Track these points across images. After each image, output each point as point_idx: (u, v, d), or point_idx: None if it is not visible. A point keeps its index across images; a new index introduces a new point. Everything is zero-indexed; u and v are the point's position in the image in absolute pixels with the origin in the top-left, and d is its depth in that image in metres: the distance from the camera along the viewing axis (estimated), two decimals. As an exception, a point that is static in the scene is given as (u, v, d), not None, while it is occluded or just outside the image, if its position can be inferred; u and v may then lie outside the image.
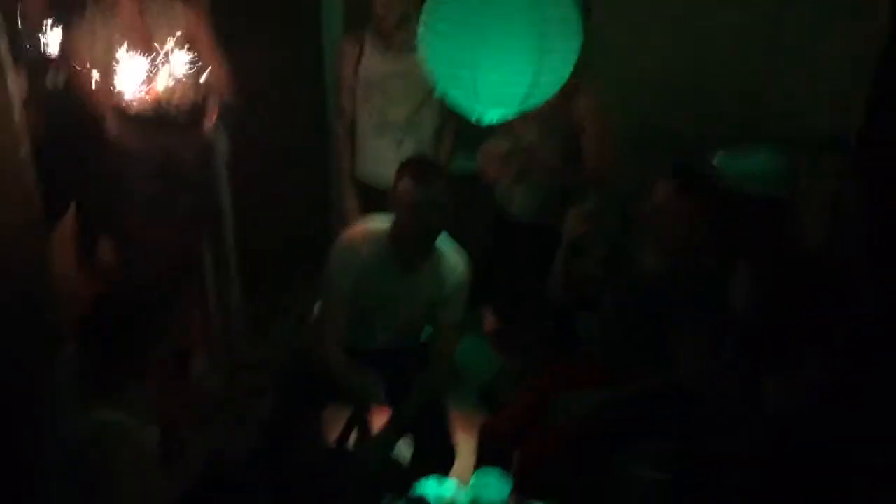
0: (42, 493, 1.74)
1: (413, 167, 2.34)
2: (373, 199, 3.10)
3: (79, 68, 2.46)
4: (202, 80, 2.51)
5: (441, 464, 2.45)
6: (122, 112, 2.34)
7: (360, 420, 2.80)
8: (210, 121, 2.51)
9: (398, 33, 2.93)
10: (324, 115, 3.63)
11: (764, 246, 2.47)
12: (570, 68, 1.56)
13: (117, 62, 2.44)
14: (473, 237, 2.75)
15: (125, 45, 2.48)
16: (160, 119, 2.33)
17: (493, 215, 3.06)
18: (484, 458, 2.52)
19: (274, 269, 3.44)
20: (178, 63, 2.40)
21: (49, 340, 1.87)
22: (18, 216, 1.85)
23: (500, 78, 1.46)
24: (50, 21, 2.51)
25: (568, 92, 2.17)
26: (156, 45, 2.50)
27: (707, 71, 3.30)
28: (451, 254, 2.50)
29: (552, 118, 2.67)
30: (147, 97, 2.33)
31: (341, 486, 2.47)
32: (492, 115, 1.58)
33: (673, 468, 2.24)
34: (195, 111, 2.41)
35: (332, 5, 3.64)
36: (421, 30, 1.62)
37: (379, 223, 2.50)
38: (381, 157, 3.06)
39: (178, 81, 2.41)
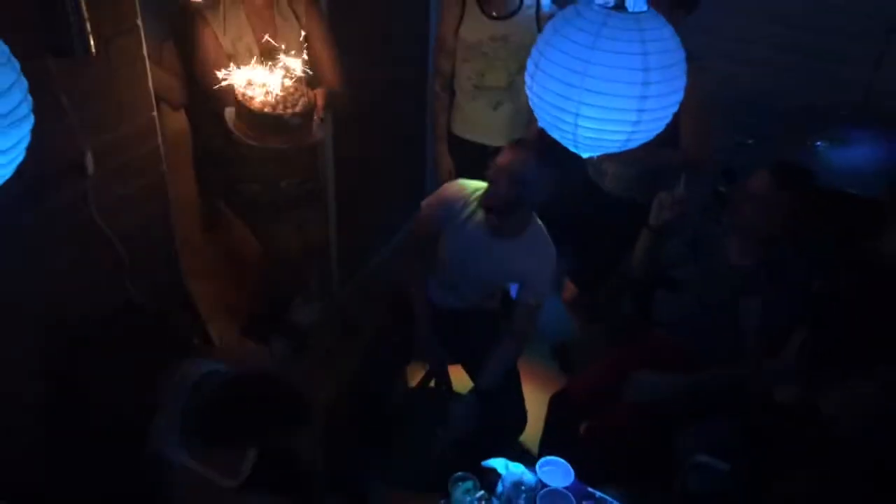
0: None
1: (515, 145, 2.40)
2: (468, 155, 3.19)
3: (207, 57, 2.59)
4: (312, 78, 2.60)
5: (513, 428, 2.64)
6: (239, 106, 2.45)
7: (438, 374, 3.00)
8: (319, 116, 2.58)
9: None
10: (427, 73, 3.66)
11: (847, 249, 2.45)
12: (672, 112, 1.58)
13: (244, 53, 2.56)
14: (564, 204, 2.81)
15: (250, 33, 2.60)
16: (275, 122, 2.41)
17: (585, 186, 3.10)
18: (552, 426, 2.69)
19: (370, 223, 3.59)
20: (294, 65, 2.48)
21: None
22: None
23: (600, 130, 1.50)
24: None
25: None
26: (280, 39, 2.60)
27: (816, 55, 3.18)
28: (542, 238, 2.57)
29: None
30: (263, 98, 2.41)
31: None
32: (588, 155, 1.64)
33: (734, 458, 2.31)
34: (307, 114, 2.48)
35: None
36: (530, 65, 1.65)
37: (476, 184, 2.60)
38: (479, 119, 3.12)
39: (294, 85, 2.49)
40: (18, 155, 1.26)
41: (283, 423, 1.92)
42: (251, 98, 2.42)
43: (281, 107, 2.45)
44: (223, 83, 2.44)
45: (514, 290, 2.78)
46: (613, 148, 1.57)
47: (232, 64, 2.47)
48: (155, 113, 2.23)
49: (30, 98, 1.30)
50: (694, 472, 2.32)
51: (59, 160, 1.98)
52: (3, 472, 2.01)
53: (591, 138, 1.54)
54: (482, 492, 2.15)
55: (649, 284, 2.80)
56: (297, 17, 2.67)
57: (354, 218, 3.44)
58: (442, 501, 2.10)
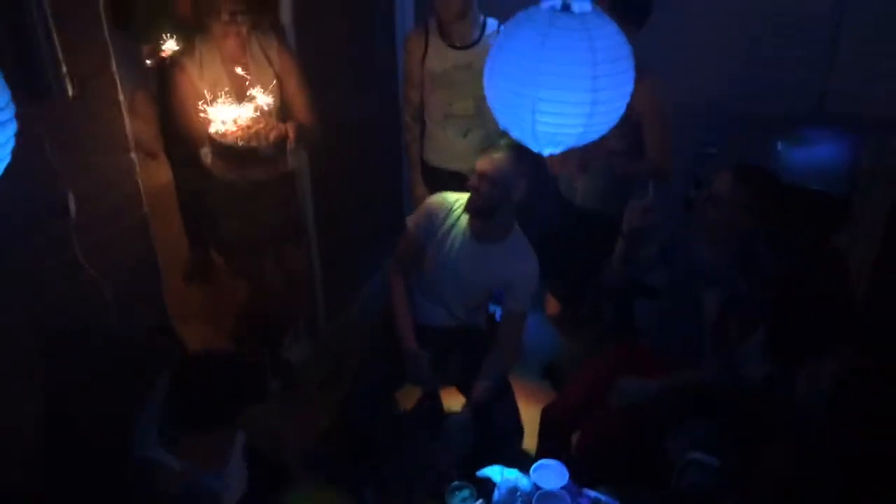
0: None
1: (491, 148, 2.53)
2: (442, 182, 3.26)
3: (184, 103, 2.67)
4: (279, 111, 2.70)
5: (508, 441, 2.66)
6: (214, 144, 2.55)
7: (432, 398, 3.02)
8: (291, 145, 2.67)
9: (460, 27, 3.04)
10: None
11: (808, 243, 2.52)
12: (625, 103, 1.66)
13: (218, 94, 2.62)
14: (539, 221, 2.89)
15: (225, 77, 2.68)
16: (249, 154, 2.52)
17: (558, 201, 3.18)
18: (545, 439, 2.71)
19: (353, 255, 3.64)
20: (263, 100, 2.58)
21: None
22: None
23: (557, 123, 1.58)
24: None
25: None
26: (253, 81, 2.68)
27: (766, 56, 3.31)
28: (524, 245, 2.68)
29: None
30: (236, 132, 2.52)
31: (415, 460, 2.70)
32: (548, 151, 1.71)
33: (722, 453, 2.34)
34: (280, 144, 2.58)
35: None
36: (486, 69, 1.73)
37: (457, 195, 2.72)
38: (450, 147, 3.21)
39: (264, 118, 2.59)
40: (4, 157, 1.30)
41: (237, 393, 1.94)
42: (224, 134, 2.52)
43: (254, 140, 2.56)
44: (197, 122, 2.55)
45: (499, 313, 2.84)
46: (571, 141, 1.65)
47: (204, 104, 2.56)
48: (133, 155, 2.29)
49: (13, 105, 1.37)
50: (686, 469, 2.34)
51: (43, 202, 2.04)
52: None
53: (549, 133, 1.61)
54: (480, 500, 2.17)
55: (627, 293, 2.86)
56: (270, 61, 2.76)
57: (337, 251, 3.49)
58: (439, 510, 2.12)
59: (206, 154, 2.62)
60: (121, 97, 2.20)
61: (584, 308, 3.25)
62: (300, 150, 2.83)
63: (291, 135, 2.66)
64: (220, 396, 1.91)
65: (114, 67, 2.17)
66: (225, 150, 2.52)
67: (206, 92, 2.65)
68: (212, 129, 2.53)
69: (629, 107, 2.67)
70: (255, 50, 2.74)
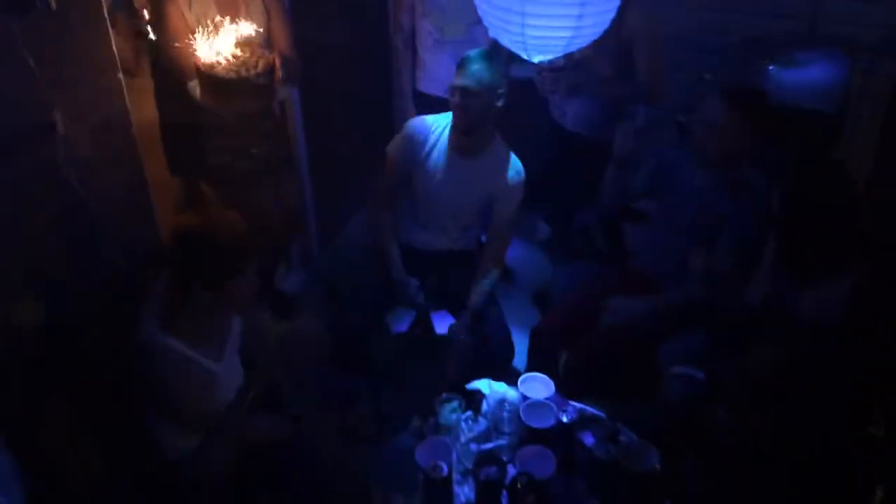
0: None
1: (465, 58, 2.52)
2: (434, 110, 3.24)
3: (172, 34, 2.64)
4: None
5: (499, 361, 2.71)
6: (202, 76, 2.53)
7: (423, 321, 3.07)
8: (278, 76, 2.64)
9: None
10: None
11: (809, 161, 2.52)
12: (612, 14, 1.66)
13: (206, 23, 2.59)
14: (530, 146, 2.89)
15: (214, 8, 2.65)
16: (240, 84, 2.50)
17: (549, 126, 3.18)
18: (534, 359, 2.76)
19: (345, 183, 3.64)
20: (247, 29, 2.56)
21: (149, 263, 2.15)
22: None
23: (546, 29, 1.58)
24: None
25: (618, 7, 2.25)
26: (242, 11, 2.68)
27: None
28: (508, 155, 2.71)
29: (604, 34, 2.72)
30: (225, 63, 2.49)
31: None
32: (538, 59, 1.71)
33: (709, 367, 2.37)
34: (269, 73, 2.56)
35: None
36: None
37: (434, 116, 2.75)
38: (442, 73, 3.18)
39: (250, 48, 2.57)
40: None
41: (224, 256, 1.97)
42: (212, 65, 2.49)
43: (244, 69, 2.53)
44: (185, 55, 2.53)
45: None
46: (560, 48, 1.65)
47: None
48: (121, 74, 2.27)
49: None
50: (673, 382, 2.38)
51: (29, 118, 2.02)
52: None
53: (538, 37, 1.61)
54: (469, 412, 2.22)
55: (618, 217, 2.88)
56: None
57: (329, 179, 3.49)
58: (430, 420, 2.16)
59: (194, 87, 2.60)
60: (106, 13, 2.18)
61: (575, 234, 3.26)
62: (287, 80, 2.80)
63: (278, 62, 2.64)
64: (206, 264, 1.94)
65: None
66: (213, 82, 2.50)
67: (195, 21, 2.62)
68: (198, 61, 2.50)
69: (619, 30, 2.72)
70: None
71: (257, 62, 2.56)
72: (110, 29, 2.19)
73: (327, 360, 2.62)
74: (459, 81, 2.51)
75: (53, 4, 1.92)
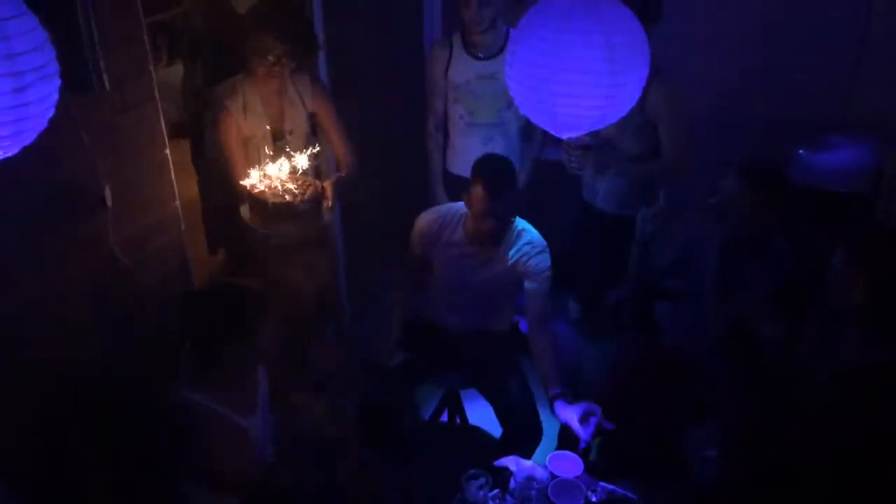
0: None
1: (485, 176, 2.52)
2: (464, 190, 3.32)
3: (230, 146, 2.79)
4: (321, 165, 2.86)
5: (528, 445, 2.67)
6: (255, 204, 2.67)
7: (452, 399, 3.05)
8: (329, 205, 2.77)
9: (484, 38, 3.12)
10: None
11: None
12: (639, 92, 1.72)
13: (260, 137, 2.76)
14: (561, 225, 2.92)
15: (266, 119, 2.79)
16: (286, 210, 2.63)
17: (580, 205, 3.22)
18: (565, 438, 2.71)
19: (379, 259, 3.69)
20: (301, 161, 2.72)
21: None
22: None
23: (575, 108, 1.64)
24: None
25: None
26: (287, 122, 2.83)
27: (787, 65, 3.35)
28: (525, 231, 2.69)
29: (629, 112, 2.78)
30: (276, 187, 2.65)
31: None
32: (567, 136, 1.77)
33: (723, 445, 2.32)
34: (316, 200, 2.69)
35: (433, 12, 3.84)
36: (508, 54, 1.80)
37: (447, 206, 2.81)
38: (473, 155, 3.23)
39: (302, 177, 2.72)
40: (49, 108, 1.39)
41: (245, 316, 2.00)
42: (264, 192, 2.64)
43: (290, 196, 2.65)
44: (241, 171, 2.70)
45: (523, 325, 2.87)
46: (590, 123, 1.70)
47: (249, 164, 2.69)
48: (168, 151, 2.39)
49: (56, 63, 1.48)
50: (701, 464, 2.34)
51: (80, 191, 2.13)
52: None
53: (568, 114, 1.66)
54: (497, 490, 2.18)
55: (646, 296, 2.88)
56: (303, 101, 2.86)
57: (363, 257, 3.55)
58: (457, 496, 2.13)
59: (245, 210, 2.74)
60: (157, 95, 2.30)
61: (605, 313, 3.26)
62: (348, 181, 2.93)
63: (329, 192, 2.74)
64: (222, 319, 1.97)
65: (151, 67, 2.27)
66: (262, 207, 2.64)
67: (250, 131, 2.76)
68: (251, 187, 2.65)
69: (643, 108, 2.79)
70: (290, 92, 2.83)
71: (305, 190, 2.68)
72: (160, 108, 2.32)
73: (356, 436, 2.63)
74: (477, 206, 2.52)
75: (107, 84, 2.05)
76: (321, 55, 3.13)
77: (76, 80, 1.98)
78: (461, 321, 2.83)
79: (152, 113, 2.30)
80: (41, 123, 1.44)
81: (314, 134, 3.13)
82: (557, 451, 2.25)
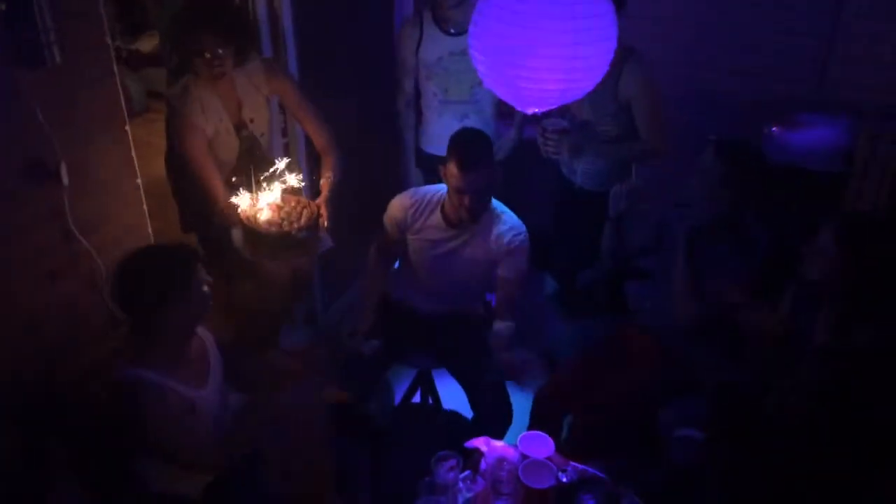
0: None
1: (461, 149, 2.49)
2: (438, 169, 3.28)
3: (196, 155, 2.67)
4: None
5: (498, 426, 2.65)
6: (248, 232, 2.53)
7: (424, 380, 3.03)
8: (325, 224, 2.65)
9: (455, 13, 3.06)
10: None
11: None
12: (605, 67, 1.68)
13: (224, 133, 2.68)
14: (539, 203, 2.89)
15: (226, 115, 2.70)
16: (282, 239, 2.50)
17: (558, 183, 3.19)
18: (537, 420, 2.70)
19: (351, 244, 3.65)
20: (291, 181, 2.59)
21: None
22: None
23: (537, 83, 1.60)
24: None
25: (615, 66, 2.25)
26: (246, 111, 2.74)
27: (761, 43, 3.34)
28: (505, 216, 2.66)
29: (602, 94, 2.71)
30: (270, 216, 2.52)
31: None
32: (532, 110, 1.73)
33: (711, 428, 2.31)
34: (313, 225, 2.57)
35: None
36: (471, 25, 1.75)
37: (422, 189, 2.77)
38: (447, 134, 3.19)
39: (295, 199, 2.61)
40: None
41: (180, 269, 1.99)
42: (256, 218, 2.50)
43: (286, 223, 2.52)
44: (215, 187, 2.62)
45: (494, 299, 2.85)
46: (554, 98, 1.66)
47: (233, 189, 2.56)
48: (128, 127, 2.32)
49: None
50: (675, 444, 2.33)
51: (35, 170, 2.05)
52: None
53: (531, 88, 1.62)
54: (468, 471, 2.16)
55: (619, 275, 2.87)
56: (257, 86, 2.76)
57: (336, 241, 3.49)
58: (426, 479, 2.11)
59: (237, 235, 2.59)
60: (115, 69, 2.23)
61: (579, 292, 3.24)
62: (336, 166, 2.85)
63: (324, 211, 2.64)
64: (152, 279, 1.95)
65: (108, 40, 2.20)
66: (256, 235, 2.50)
67: (213, 129, 2.68)
68: (242, 213, 2.51)
69: (616, 94, 2.75)
70: (241, 82, 2.73)
71: (301, 213, 2.56)
72: (119, 84, 2.25)
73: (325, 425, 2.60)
74: (456, 183, 2.49)
75: (58, 57, 1.97)
76: (290, 40, 3.06)
77: (28, 53, 1.92)
78: (434, 304, 2.79)
79: (110, 88, 2.23)
80: None
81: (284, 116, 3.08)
82: (528, 432, 2.22)
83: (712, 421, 2.26)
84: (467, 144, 2.51)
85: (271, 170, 2.56)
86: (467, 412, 2.75)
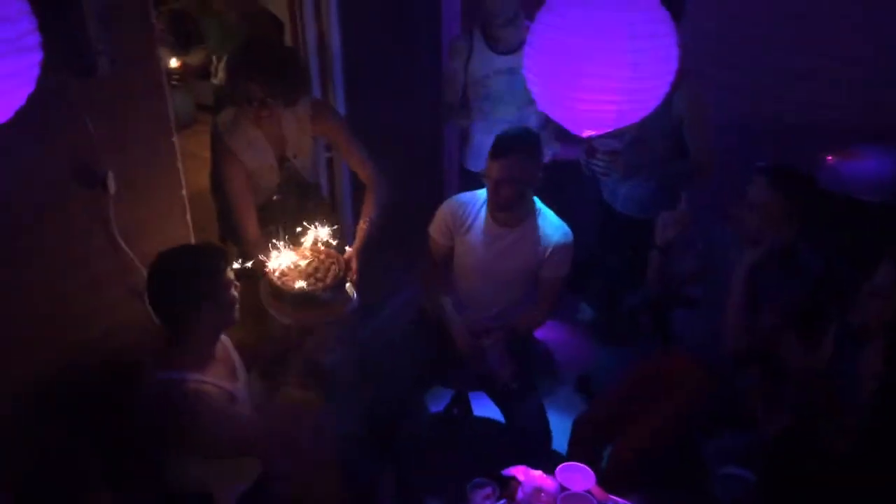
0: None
1: (502, 140, 2.50)
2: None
3: (230, 191, 2.69)
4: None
5: (535, 450, 2.59)
6: (275, 289, 2.45)
7: (461, 400, 2.98)
8: (354, 278, 2.59)
9: (505, 32, 3.04)
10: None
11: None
12: (665, 89, 1.63)
13: (266, 168, 2.69)
14: (577, 226, 2.84)
15: (269, 151, 2.70)
16: (307, 298, 2.43)
17: (599, 206, 3.14)
18: (576, 449, 2.63)
19: (388, 263, 3.62)
20: (322, 233, 2.57)
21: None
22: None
23: (595, 104, 1.55)
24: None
25: (671, 87, 2.22)
26: (290, 149, 2.73)
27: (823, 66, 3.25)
28: (552, 218, 2.66)
29: (654, 114, 2.67)
30: (293, 273, 2.46)
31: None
32: (588, 133, 1.68)
33: (760, 466, 2.26)
34: (339, 285, 2.49)
35: (452, 6, 3.76)
36: (527, 44, 1.71)
37: (468, 195, 2.76)
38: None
39: (325, 252, 2.56)
40: (26, 84, 1.31)
41: (207, 269, 1.99)
42: (282, 273, 2.45)
43: (312, 280, 2.46)
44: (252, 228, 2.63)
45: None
46: (611, 121, 1.61)
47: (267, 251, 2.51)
48: (175, 139, 2.32)
49: (38, 35, 1.37)
50: (722, 482, 2.25)
51: (82, 177, 2.06)
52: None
53: (588, 110, 1.58)
54: (503, 500, 2.10)
55: (665, 303, 2.79)
56: (303, 126, 2.74)
57: (372, 259, 3.47)
58: (460, 506, 2.06)
59: (265, 287, 2.52)
60: (164, 80, 2.23)
61: (621, 318, 3.18)
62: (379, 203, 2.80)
63: (354, 265, 2.59)
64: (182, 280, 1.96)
65: (159, 52, 2.20)
66: (281, 293, 2.43)
67: (257, 165, 2.68)
68: (269, 269, 2.46)
69: (669, 111, 2.70)
70: (289, 120, 2.71)
71: (327, 271, 2.50)
72: (167, 94, 2.25)
73: (354, 441, 2.57)
74: (492, 172, 2.49)
75: (107, 66, 1.97)
76: (338, 78, 3.09)
77: (77, 61, 1.92)
78: (473, 319, 2.74)
79: (159, 99, 2.23)
80: (16, 100, 1.35)
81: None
82: (567, 463, 2.16)
83: (764, 461, 2.17)
84: (504, 134, 2.53)
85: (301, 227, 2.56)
86: (503, 437, 2.70)
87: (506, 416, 2.70)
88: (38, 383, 2.08)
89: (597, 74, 1.51)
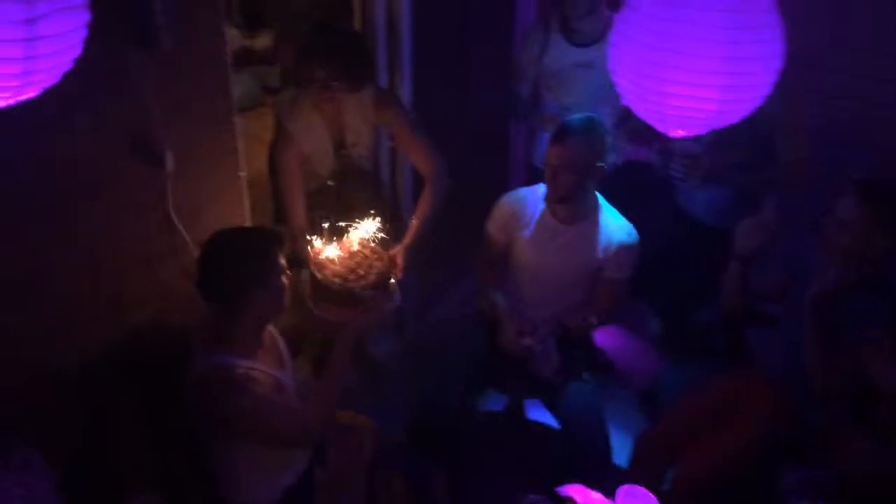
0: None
1: (562, 127, 2.42)
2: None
3: (283, 173, 2.67)
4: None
5: (594, 464, 2.46)
6: (315, 280, 2.36)
7: (515, 409, 2.86)
8: (398, 276, 2.48)
9: (583, 23, 2.91)
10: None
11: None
12: (768, 88, 1.46)
13: (321, 153, 2.65)
14: (648, 231, 2.69)
15: (326, 136, 2.67)
16: (345, 295, 2.31)
17: (672, 212, 2.98)
18: (637, 469, 2.49)
19: (446, 256, 3.53)
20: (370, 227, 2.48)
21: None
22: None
23: (687, 101, 1.40)
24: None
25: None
26: (350, 136, 2.69)
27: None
28: (616, 217, 2.54)
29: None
30: (337, 267, 2.36)
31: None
32: (678, 134, 1.53)
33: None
34: (381, 284, 2.35)
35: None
36: (612, 34, 1.58)
37: (528, 189, 2.65)
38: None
39: (370, 248, 2.46)
40: (72, 47, 1.23)
41: (264, 252, 1.93)
42: (324, 266, 2.35)
43: (353, 276, 2.34)
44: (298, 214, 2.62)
45: (598, 338, 2.69)
46: (705, 121, 1.45)
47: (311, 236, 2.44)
48: (237, 119, 2.25)
49: None
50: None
51: (140, 152, 2.01)
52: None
53: (681, 108, 1.42)
54: (558, 520, 1.98)
55: (741, 319, 2.61)
56: (365, 114, 2.68)
57: (431, 251, 3.38)
58: (517, 526, 1.94)
59: (305, 278, 2.44)
60: (228, 61, 2.17)
61: (692, 332, 3.00)
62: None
63: (400, 261, 2.50)
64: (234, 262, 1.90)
65: (224, 30, 2.14)
66: (321, 285, 2.33)
67: (312, 150, 2.65)
68: (313, 254, 2.38)
69: (762, 113, 2.51)
70: (350, 107, 2.66)
71: (370, 267, 2.39)
72: (230, 73, 2.18)
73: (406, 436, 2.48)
74: (550, 158, 2.39)
75: (171, 41, 1.91)
76: (406, 69, 3.02)
77: (140, 34, 1.87)
78: (532, 314, 2.62)
79: (222, 77, 2.16)
80: (61, 64, 1.26)
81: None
82: (627, 486, 2.01)
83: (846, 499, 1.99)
84: (567, 119, 2.45)
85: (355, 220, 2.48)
86: (559, 450, 2.58)
87: (562, 425, 2.58)
88: (84, 366, 2.05)
89: (691, 70, 1.36)
